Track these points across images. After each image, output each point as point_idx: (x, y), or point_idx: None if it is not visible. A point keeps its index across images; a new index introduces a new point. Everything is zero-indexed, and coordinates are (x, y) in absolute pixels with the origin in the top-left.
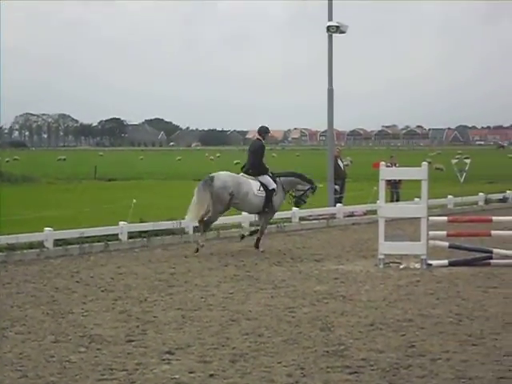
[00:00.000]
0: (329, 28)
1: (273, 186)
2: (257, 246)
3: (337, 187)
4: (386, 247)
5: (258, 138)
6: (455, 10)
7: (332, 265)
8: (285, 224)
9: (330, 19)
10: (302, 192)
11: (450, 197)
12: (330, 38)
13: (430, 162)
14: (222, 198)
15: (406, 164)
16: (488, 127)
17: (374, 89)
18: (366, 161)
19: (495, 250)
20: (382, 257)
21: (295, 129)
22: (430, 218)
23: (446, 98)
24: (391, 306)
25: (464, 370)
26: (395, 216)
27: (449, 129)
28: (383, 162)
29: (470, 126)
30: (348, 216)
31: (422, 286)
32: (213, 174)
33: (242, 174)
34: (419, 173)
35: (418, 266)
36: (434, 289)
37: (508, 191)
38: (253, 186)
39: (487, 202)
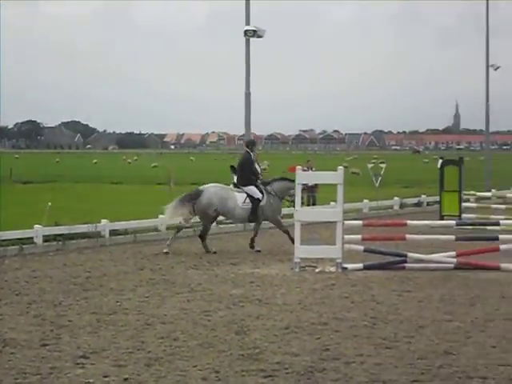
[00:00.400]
0: (246, 32)
1: (257, 195)
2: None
3: None
4: (301, 251)
5: (246, 151)
6: (370, 15)
7: (248, 268)
8: (200, 228)
9: (248, 23)
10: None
11: (365, 201)
12: (248, 42)
13: (346, 167)
14: (207, 214)
15: (322, 168)
16: (404, 132)
17: (292, 93)
18: (283, 165)
19: (409, 254)
20: (298, 260)
21: (213, 132)
22: (346, 222)
23: (362, 103)
24: (306, 310)
25: (378, 373)
26: (311, 220)
27: (365, 134)
28: (299, 166)
29: (385, 131)
30: (265, 220)
31: (337, 290)
32: (202, 188)
33: (231, 185)
34: (335, 177)
35: (333, 269)
36: (349, 292)
37: (423, 195)
38: (238, 200)
39: (402, 206)
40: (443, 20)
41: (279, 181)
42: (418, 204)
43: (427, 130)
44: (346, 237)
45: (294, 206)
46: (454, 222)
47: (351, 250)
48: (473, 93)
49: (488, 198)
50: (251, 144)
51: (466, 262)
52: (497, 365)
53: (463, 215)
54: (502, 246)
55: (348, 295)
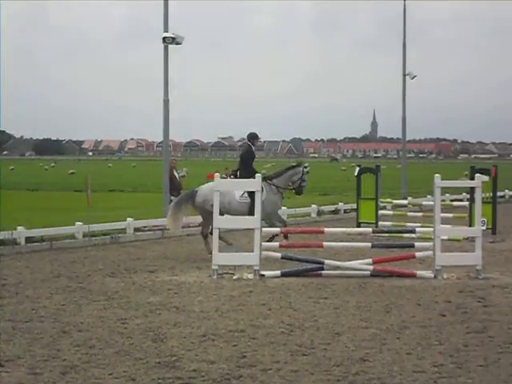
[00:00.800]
0: (164, 39)
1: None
2: (271, 239)
3: (173, 198)
4: (219, 258)
5: (247, 144)
6: (286, 24)
7: (166, 276)
8: (119, 235)
9: (166, 30)
10: (299, 180)
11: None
12: (166, 48)
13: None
14: (207, 212)
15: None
16: (322, 140)
17: (211, 100)
18: (202, 172)
19: (326, 261)
20: (216, 267)
21: (131, 139)
22: (264, 229)
23: (280, 110)
24: (224, 317)
25: (294, 380)
26: (230, 227)
27: (283, 141)
28: (218, 173)
29: (304, 138)
30: (183, 227)
31: (255, 297)
32: (196, 189)
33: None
34: (253, 184)
35: (251, 276)
36: (266, 299)
37: (340, 203)
38: (235, 194)
39: (320, 213)
40: (363, 29)
41: (282, 173)
42: (336, 211)
43: (345, 138)
44: (264, 244)
45: (295, 193)
46: (370, 229)
47: (269, 257)
48: (390, 101)
49: (404, 206)
50: (253, 137)
51: (382, 270)
52: (412, 371)
53: (380, 223)
54: (418, 254)
55: (265, 302)
